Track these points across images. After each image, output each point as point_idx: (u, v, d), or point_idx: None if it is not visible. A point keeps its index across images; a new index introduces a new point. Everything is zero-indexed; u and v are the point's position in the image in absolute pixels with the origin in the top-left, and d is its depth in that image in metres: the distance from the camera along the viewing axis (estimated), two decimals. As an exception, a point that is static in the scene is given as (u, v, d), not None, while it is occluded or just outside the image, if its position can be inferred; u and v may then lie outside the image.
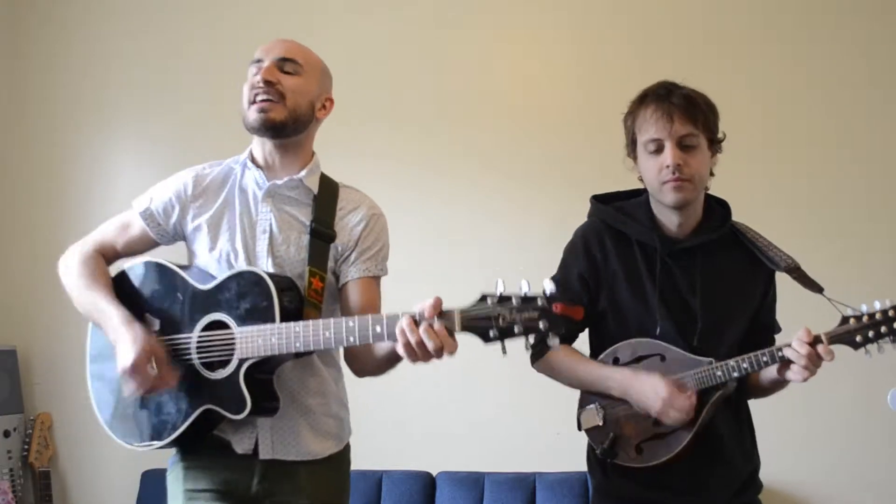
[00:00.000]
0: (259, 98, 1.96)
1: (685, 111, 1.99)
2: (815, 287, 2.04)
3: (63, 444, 3.97)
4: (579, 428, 2.15)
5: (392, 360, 1.90)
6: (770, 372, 1.99)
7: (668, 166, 1.99)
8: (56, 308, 3.91)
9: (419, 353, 1.67)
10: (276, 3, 4.05)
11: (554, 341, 1.60)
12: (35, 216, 4.11)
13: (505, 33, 3.95)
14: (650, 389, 1.98)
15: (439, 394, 3.72)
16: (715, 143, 2.07)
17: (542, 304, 1.60)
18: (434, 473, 3.64)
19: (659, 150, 2.01)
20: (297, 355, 1.89)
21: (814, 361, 1.88)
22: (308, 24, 3.97)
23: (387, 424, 3.68)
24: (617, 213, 2.14)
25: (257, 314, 1.84)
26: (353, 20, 3.98)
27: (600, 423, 2.09)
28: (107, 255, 2.07)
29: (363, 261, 2.03)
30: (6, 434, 3.85)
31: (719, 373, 1.97)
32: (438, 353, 1.65)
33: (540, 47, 3.94)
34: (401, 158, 3.87)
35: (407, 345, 1.66)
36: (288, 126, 1.99)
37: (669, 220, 2.10)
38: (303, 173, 2.03)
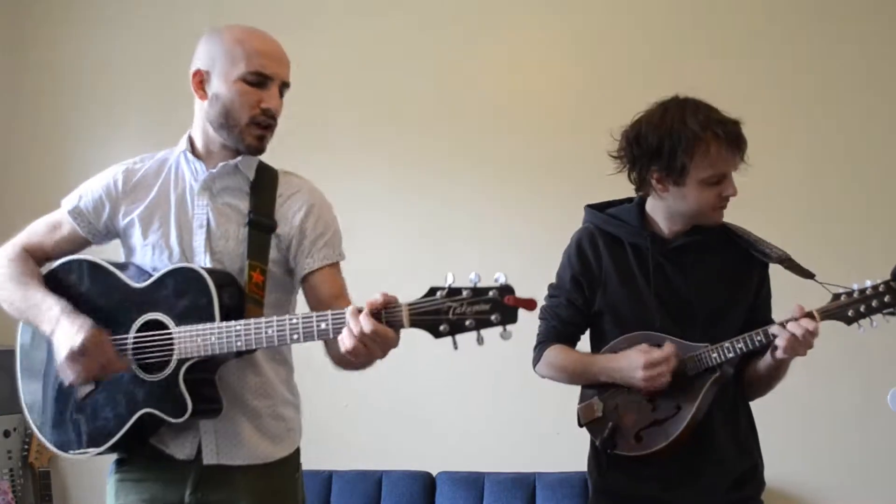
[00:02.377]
0: (263, 125, 1.88)
1: (743, 144, 2.04)
2: (807, 274, 2.07)
3: (63, 444, 3.97)
4: (580, 423, 2.17)
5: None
6: (766, 359, 2.03)
7: (729, 195, 2.05)
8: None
9: (358, 348, 1.58)
10: (277, 3, 4.05)
11: (507, 335, 1.54)
12: (35, 216, 4.10)
13: (504, 34, 3.94)
14: (628, 362, 2.03)
15: (439, 394, 3.72)
16: None
17: (493, 295, 1.53)
18: (434, 473, 3.64)
19: (719, 182, 2.04)
20: (239, 354, 1.80)
21: (804, 336, 1.91)
22: (308, 24, 3.97)
23: (387, 425, 3.68)
24: (609, 218, 2.20)
25: (196, 313, 1.76)
26: (353, 21, 3.98)
27: (600, 415, 2.11)
28: (35, 255, 1.98)
29: (319, 249, 1.93)
30: (6, 434, 3.85)
31: (714, 354, 2.01)
32: (376, 345, 1.58)
33: (539, 48, 3.93)
34: (399, 159, 3.86)
35: (349, 337, 1.58)
36: None
37: (662, 223, 2.14)
38: (238, 159, 1.91)
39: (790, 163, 3.59)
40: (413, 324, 1.57)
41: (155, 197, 1.94)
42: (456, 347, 1.56)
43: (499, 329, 1.53)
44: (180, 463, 1.86)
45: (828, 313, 1.94)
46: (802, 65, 3.65)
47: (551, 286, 2.24)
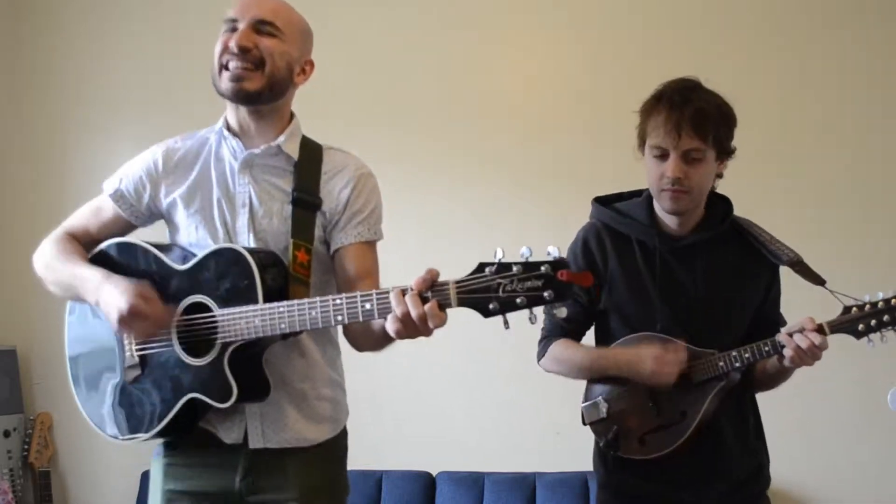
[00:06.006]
0: (232, 65, 1.80)
1: (695, 126, 1.96)
2: (818, 280, 2.04)
3: (63, 444, 3.97)
4: (584, 422, 2.16)
5: (388, 336, 1.69)
6: (773, 361, 2.01)
7: (668, 177, 1.99)
8: (56, 308, 3.88)
9: (405, 329, 1.54)
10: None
11: (561, 311, 1.47)
12: (35, 216, 4.10)
13: (506, 33, 3.94)
14: (639, 356, 2.01)
15: (439, 393, 3.72)
16: (725, 154, 2.05)
17: (545, 270, 1.46)
18: (434, 473, 3.64)
19: (663, 157, 1.99)
20: (284, 336, 1.74)
21: (810, 349, 1.90)
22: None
23: (387, 424, 3.67)
24: (616, 215, 2.15)
25: (239, 295, 1.71)
26: (355, 21, 3.98)
27: (604, 416, 2.10)
28: (82, 239, 1.95)
29: (354, 225, 1.87)
30: (6, 434, 3.85)
31: (721, 363, 1.99)
32: (424, 325, 1.52)
33: (541, 47, 3.93)
34: (401, 159, 3.85)
35: (394, 319, 1.54)
36: (264, 94, 1.82)
37: (670, 219, 2.10)
38: (280, 139, 1.87)
39: (792, 163, 3.60)
40: (461, 303, 1.51)
41: (196, 176, 1.90)
42: (507, 326, 1.49)
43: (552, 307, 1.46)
44: (229, 448, 1.83)
45: (837, 327, 1.92)
46: (805, 62, 3.65)
47: None
